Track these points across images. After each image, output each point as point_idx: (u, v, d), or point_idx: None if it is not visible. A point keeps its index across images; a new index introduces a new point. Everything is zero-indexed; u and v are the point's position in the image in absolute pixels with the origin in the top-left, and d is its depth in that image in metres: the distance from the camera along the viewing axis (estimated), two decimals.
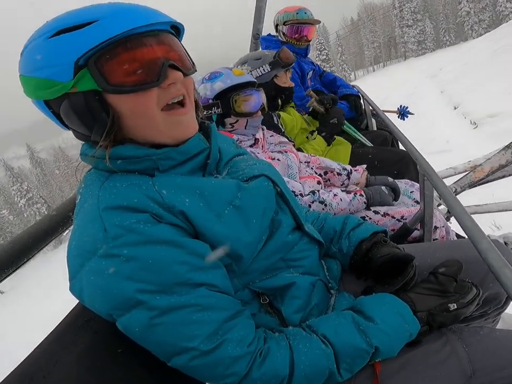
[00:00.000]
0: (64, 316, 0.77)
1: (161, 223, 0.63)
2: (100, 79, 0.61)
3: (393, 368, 0.73)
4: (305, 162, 1.63)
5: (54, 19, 0.63)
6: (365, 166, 1.66)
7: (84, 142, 0.72)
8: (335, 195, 1.36)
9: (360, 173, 1.61)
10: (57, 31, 0.60)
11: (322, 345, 0.68)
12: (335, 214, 1.35)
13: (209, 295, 0.64)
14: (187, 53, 0.72)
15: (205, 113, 1.40)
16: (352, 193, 1.38)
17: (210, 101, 1.40)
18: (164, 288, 0.60)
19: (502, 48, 9.74)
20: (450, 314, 0.74)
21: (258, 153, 1.42)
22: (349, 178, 1.61)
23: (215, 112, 1.40)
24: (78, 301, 0.73)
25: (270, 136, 1.64)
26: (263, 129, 1.61)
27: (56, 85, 0.61)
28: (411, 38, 36.94)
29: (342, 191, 1.40)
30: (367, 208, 1.40)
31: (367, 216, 1.39)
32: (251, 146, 1.48)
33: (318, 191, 1.39)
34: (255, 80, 1.44)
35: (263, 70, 2.20)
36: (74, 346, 0.69)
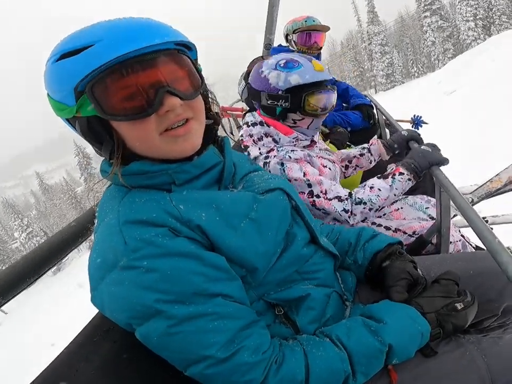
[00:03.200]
0: (83, 326, 0.79)
1: (179, 237, 0.64)
2: (97, 106, 0.60)
3: (410, 378, 0.72)
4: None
5: (62, 40, 0.63)
6: (375, 136, 1.60)
7: (103, 159, 0.73)
8: (371, 188, 1.22)
9: (375, 144, 1.58)
10: (61, 55, 0.60)
11: (335, 348, 0.68)
12: (379, 208, 1.21)
13: (226, 304, 0.64)
14: (197, 70, 0.69)
15: (268, 102, 1.29)
16: (390, 177, 1.21)
17: (280, 92, 1.26)
18: (182, 298, 0.61)
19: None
20: (461, 314, 0.74)
21: (313, 156, 1.32)
22: (371, 153, 1.59)
23: (281, 105, 1.28)
24: (97, 311, 0.75)
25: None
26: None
27: (66, 108, 0.62)
28: (380, 71, 35.78)
29: (378, 178, 1.24)
30: (417, 177, 1.21)
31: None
32: (305, 147, 1.37)
33: (350, 194, 1.23)
34: (332, 77, 1.34)
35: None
36: (94, 355, 0.70)
